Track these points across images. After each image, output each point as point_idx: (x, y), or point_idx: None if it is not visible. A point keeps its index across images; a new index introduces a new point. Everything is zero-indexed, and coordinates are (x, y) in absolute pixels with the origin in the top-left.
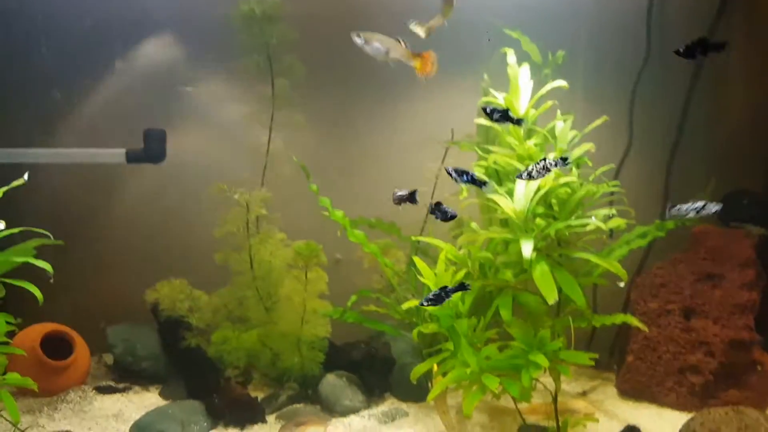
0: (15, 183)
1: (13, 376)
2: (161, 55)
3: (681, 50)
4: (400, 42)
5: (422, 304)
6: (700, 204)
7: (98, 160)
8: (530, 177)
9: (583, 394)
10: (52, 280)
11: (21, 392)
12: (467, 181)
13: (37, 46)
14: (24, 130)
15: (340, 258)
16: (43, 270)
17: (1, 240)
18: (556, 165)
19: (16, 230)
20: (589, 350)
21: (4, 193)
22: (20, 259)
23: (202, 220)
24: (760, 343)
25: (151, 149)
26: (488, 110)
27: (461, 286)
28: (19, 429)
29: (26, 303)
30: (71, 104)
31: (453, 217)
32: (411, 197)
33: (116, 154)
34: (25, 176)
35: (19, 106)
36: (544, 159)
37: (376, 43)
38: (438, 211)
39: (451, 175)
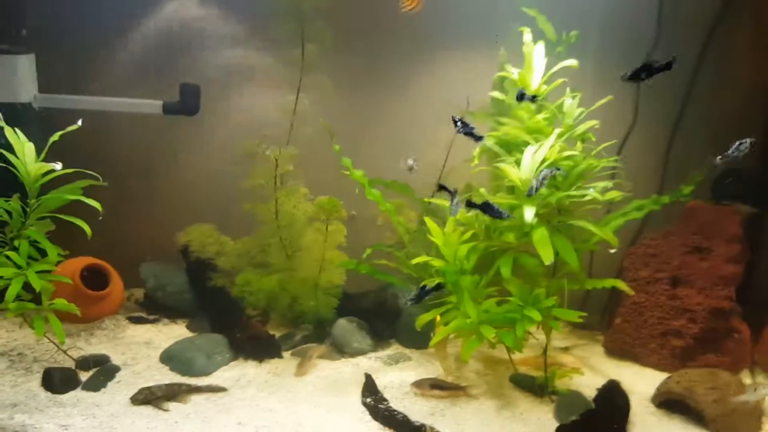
0: (70, 128)
1: (60, 302)
2: (201, 18)
3: (627, 75)
4: None
5: (408, 303)
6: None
7: (137, 110)
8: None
9: (566, 349)
10: (101, 218)
11: (61, 317)
12: (465, 133)
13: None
14: (70, 78)
15: (354, 214)
16: (88, 208)
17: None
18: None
19: (70, 171)
20: (582, 309)
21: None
22: (72, 197)
23: (231, 172)
24: (739, 313)
25: (186, 102)
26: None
27: (437, 287)
28: (62, 349)
29: (69, 237)
30: (117, 57)
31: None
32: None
33: (154, 105)
34: (79, 122)
35: (67, 54)
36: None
37: None
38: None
39: (455, 122)
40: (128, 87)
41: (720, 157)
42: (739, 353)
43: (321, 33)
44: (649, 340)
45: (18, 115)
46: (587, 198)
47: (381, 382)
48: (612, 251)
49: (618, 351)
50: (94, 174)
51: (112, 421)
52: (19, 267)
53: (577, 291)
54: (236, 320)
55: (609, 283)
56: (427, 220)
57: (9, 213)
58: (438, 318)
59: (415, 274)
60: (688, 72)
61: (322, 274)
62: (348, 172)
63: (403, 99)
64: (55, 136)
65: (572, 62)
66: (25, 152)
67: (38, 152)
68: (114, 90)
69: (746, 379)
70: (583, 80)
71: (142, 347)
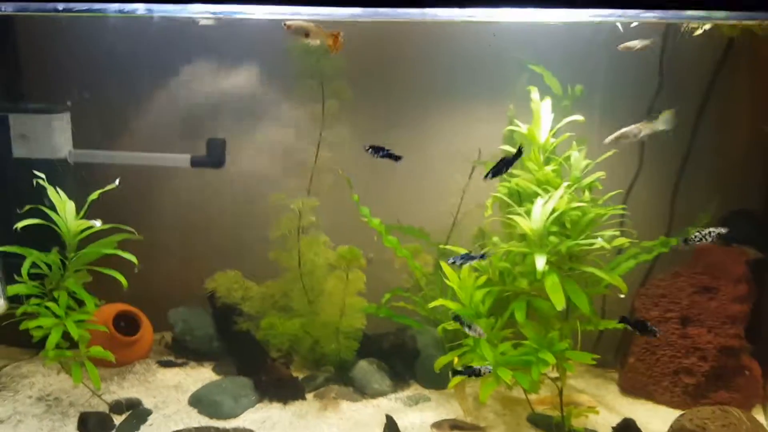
0: (108, 187)
1: (96, 349)
2: (231, 79)
3: (491, 174)
4: (316, 25)
5: (457, 264)
6: (707, 231)
7: (167, 164)
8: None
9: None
10: (137, 270)
11: (95, 362)
12: (383, 156)
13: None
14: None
15: (372, 257)
16: (120, 259)
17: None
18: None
19: (107, 226)
20: (596, 350)
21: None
22: (108, 251)
23: (256, 221)
24: (748, 351)
25: (212, 156)
26: None
27: (482, 256)
28: (97, 394)
29: (102, 283)
30: (150, 116)
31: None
32: (387, 154)
33: (182, 159)
34: (117, 181)
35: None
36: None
37: (296, 26)
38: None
39: (368, 151)
40: (159, 143)
41: (685, 241)
42: (750, 390)
43: (340, 90)
44: (662, 378)
45: (55, 169)
46: (595, 246)
47: (402, 423)
48: (621, 296)
49: (632, 389)
50: (129, 229)
51: None
52: (58, 317)
53: (591, 331)
54: (261, 363)
55: (621, 324)
56: (443, 264)
57: (48, 266)
58: (456, 360)
59: (432, 317)
60: (691, 120)
61: (343, 318)
62: (366, 220)
63: (419, 149)
64: (95, 195)
65: (578, 118)
66: (66, 210)
67: (74, 201)
68: (146, 145)
69: (758, 415)
70: (590, 131)
71: (171, 390)
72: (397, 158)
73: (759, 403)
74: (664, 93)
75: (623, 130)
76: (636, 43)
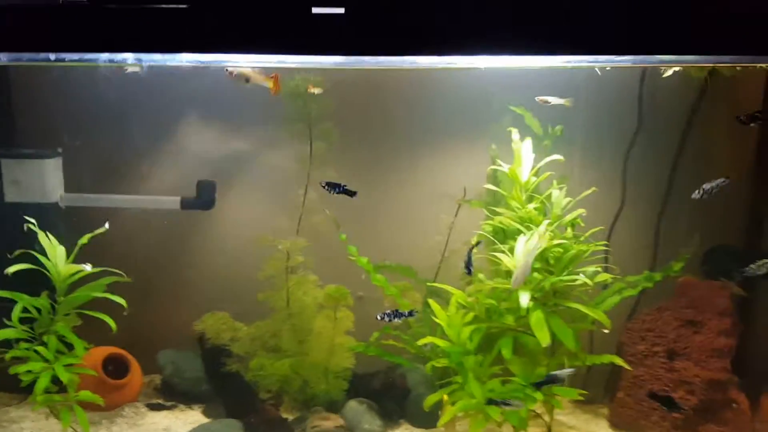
0: (98, 231)
1: (85, 393)
2: (216, 124)
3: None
4: (255, 70)
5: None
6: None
7: (157, 206)
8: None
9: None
10: (126, 313)
11: (83, 406)
12: (339, 192)
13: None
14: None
15: (361, 295)
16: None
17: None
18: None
19: (97, 270)
20: (585, 386)
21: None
22: (97, 294)
23: (244, 261)
24: (736, 384)
25: (202, 197)
26: None
27: (410, 313)
28: None
29: (90, 326)
30: (139, 161)
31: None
32: (343, 190)
33: (172, 201)
34: (106, 225)
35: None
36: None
37: (237, 72)
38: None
39: (324, 187)
40: (147, 185)
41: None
42: (739, 423)
43: (328, 132)
44: (651, 413)
45: (46, 213)
46: (578, 282)
47: None
48: (605, 331)
49: (622, 424)
50: (118, 272)
51: None
52: (47, 361)
53: (580, 366)
54: (250, 405)
55: (607, 359)
56: (431, 302)
57: (38, 310)
58: (446, 397)
59: (421, 354)
60: (672, 155)
61: (332, 358)
62: (354, 259)
63: (405, 188)
64: (84, 239)
65: (558, 157)
66: (56, 254)
67: (65, 244)
68: (134, 188)
69: None
70: (570, 168)
71: None
72: (352, 194)
73: None
74: (643, 132)
75: (544, 97)
76: (552, 99)
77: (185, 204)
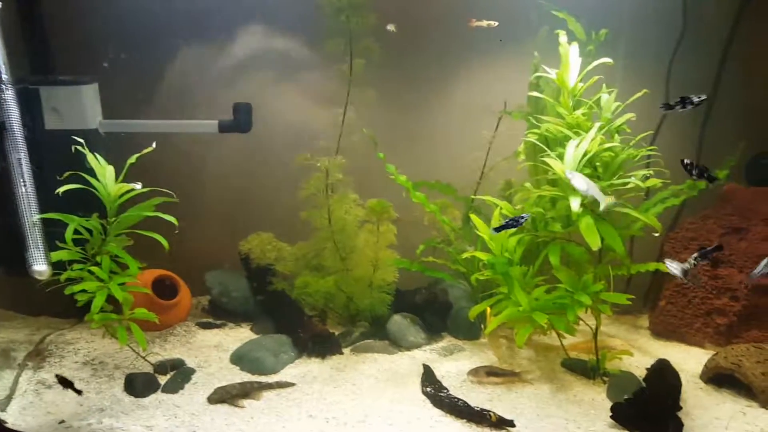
0: (146, 150)
1: (141, 311)
2: (257, 38)
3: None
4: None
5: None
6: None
7: (196, 130)
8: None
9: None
10: (176, 231)
11: (138, 325)
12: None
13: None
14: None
15: (398, 217)
16: (156, 220)
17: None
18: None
19: (146, 189)
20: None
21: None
22: (149, 214)
23: (286, 182)
24: None
25: (239, 120)
26: None
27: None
28: (141, 356)
29: (139, 249)
30: (178, 79)
31: None
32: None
33: (210, 125)
34: (153, 144)
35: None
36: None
37: None
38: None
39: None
40: (187, 109)
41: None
42: None
43: (368, 49)
44: (694, 320)
45: (86, 140)
46: (629, 186)
47: (438, 372)
48: (656, 235)
49: (664, 332)
50: (168, 191)
51: (192, 420)
52: (101, 281)
53: (620, 278)
54: (297, 321)
55: (653, 266)
56: (473, 216)
57: (89, 231)
58: (488, 309)
59: (463, 269)
60: (716, 62)
61: (376, 272)
62: (393, 177)
63: (444, 104)
64: (133, 158)
65: (607, 60)
66: (106, 175)
67: None
68: (174, 112)
69: None
70: (613, 75)
71: (212, 350)
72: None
73: None
74: (687, 36)
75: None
76: (483, 22)
77: (223, 127)
